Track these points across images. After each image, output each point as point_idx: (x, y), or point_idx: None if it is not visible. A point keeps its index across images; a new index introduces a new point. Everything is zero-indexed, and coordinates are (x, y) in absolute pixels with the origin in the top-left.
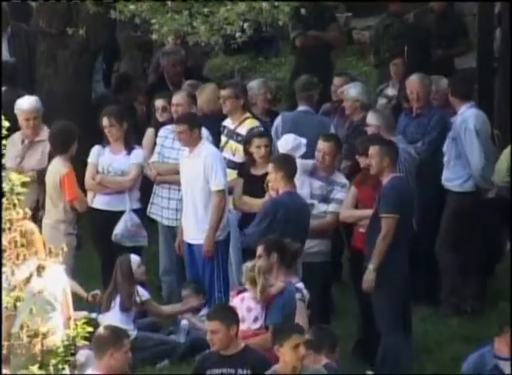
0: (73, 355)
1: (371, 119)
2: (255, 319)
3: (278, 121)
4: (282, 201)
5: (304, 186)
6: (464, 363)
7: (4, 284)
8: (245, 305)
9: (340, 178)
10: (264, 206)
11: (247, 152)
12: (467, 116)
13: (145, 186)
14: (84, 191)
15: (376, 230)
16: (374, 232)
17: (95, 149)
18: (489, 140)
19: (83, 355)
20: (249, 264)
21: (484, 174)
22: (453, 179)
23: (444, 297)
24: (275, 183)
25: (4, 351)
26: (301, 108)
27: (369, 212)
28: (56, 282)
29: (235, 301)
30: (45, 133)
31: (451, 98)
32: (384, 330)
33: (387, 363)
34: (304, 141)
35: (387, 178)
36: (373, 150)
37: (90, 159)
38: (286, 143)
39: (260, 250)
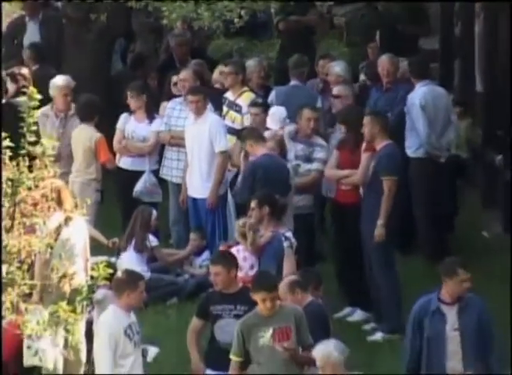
0: (94, 292)
1: (342, 90)
2: (251, 267)
3: (272, 94)
4: (260, 163)
5: (289, 149)
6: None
7: (37, 233)
8: (241, 255)
9: (319, 140)
10: (245, 168)
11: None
12: (417, 93)
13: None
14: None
15: (373, 191)
16: (371, 193)
17: (122, 117)
18: (442, 113)
19: (100, 293)
20: (240, 221)
21: (431, 143)
22: (409, 147)
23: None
24: (252, 149)
25: (38, 290)
26: (293, 82)
27: (349, 171)
28: (80, 231)
29: (233, 251)
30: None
31: (410, 76)
32: (382, 279)
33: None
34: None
35: (380, 145)
36: (366, 120)
37: (118, 126)
38: (277, 113)
39: (253, 203)
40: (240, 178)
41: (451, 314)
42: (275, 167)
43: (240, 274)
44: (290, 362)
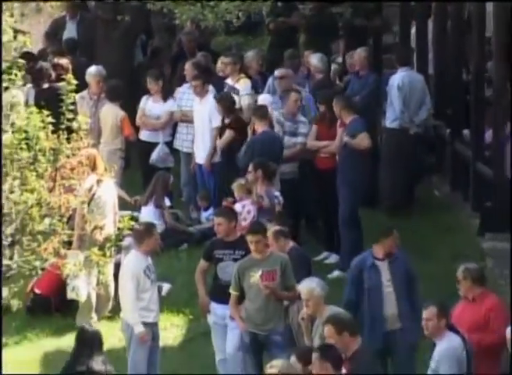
0: (121, 240)
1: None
2: (253, 218)
3: (270, 80)
4: (258, 139)
5: (277, 126)
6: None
7: (75, 192)
8: (246, 209)
9: (302, 118)
10: (247, 143)
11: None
12: (397, 76)
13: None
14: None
15: (346, 158)
16: (345, 159)
17: (144, 98)
18: (417, 95)
19: (127, 240)
20: (242, 180)
21: (403, 118)
22: (387, 118)
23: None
24: (255, 126)
25: (76, 239)
26: (276, 73)
27: (327, 142)
28: (109, 191)
29: (237, 206)
30: None
31: (396, 63)
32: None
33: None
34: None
35: (348, 119)
36: (333, 101)
37: (140, 105)
38: (267, 99)
39: (250, 167)
40: (243, 148)
41: (384, 268)
42: (272, 141)
43: (244, 224)
44: (273, 299)
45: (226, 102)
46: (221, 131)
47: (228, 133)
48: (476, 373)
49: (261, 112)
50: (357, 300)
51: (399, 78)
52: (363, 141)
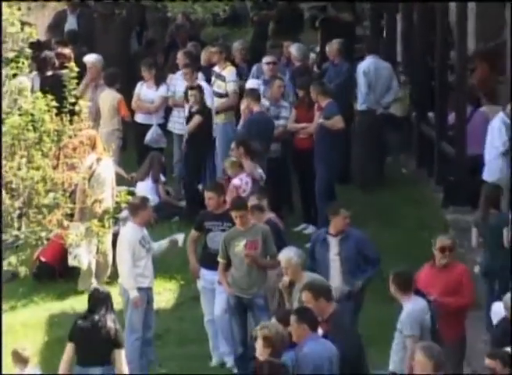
0: (119, 213)
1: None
2: (251, 189)
3: (254, 69)
4: (254, 119)
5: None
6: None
7: (76, 169)
8: (243, 181)
9: (284, 103)
10: (244, 122)
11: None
12: (363, 63)
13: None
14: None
15: (322, 138)
16: (321, 140)
17: (139, 84)
18: (382, 80)
19: (124, 213)
20: (233, 158)
21: (369, 100)
22: (357, 102)
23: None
24: (249, 107)
25: (77, 211)
26: (264, 59)
27: (304, 125)
28: (108, 168)
29: (236, 181)
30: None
31: (365, 51)
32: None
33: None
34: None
35: (324, 103)
36: (311, 87)
37: (136, 90)
38: (253, 84)
39: (233, 145)
40: (239, 126)
41: (334, 243)
42: (266, 121)
43: (244, 195)
44: (255, 266)
45: (197, 92)
46: (188, 118)
47: (196, 119)
48: (447, 332)
49: (255, 94)
50: (314, 270)
51: (365, 65)
52: (337, 122)
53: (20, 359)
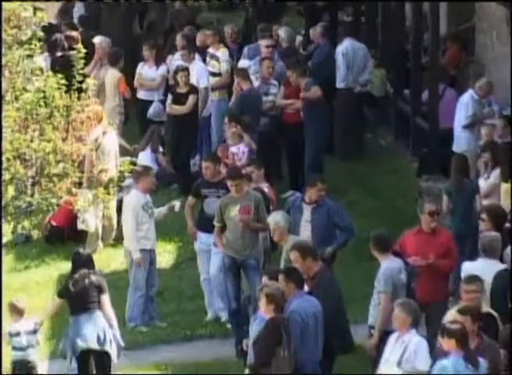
0: (122, 181)
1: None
2: (247, 158)
3: (245, 50)
4: (245, 95)
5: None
6: None
7: (84, 141)
8: (241, 150)
9: (273, 81)
10: (237, 97)
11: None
12: (342, 45)
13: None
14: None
15: (308, 113)
16: (307, 114)
17: (140, 64)
18: (359, 60)
19: (128, 181)
20: (233, 129)
21: (347, 79)
22: (337, 81)
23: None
24: (239, 85)
25: (85, 180)
26: (262, 42)
27: (292, 101)
28: (112, 140)
29: (234, 149)
30: None
31: (343, 34)
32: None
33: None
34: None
35: (304, 82)
36: (291, 69)
37: (138, 70)
38: (245, 64)
39: (225, 119)
40: (234, 101)
41: (307, 210)
42: (256, 96)
43: (239, 163)
44: (247, 230)
45: (187, 74)
46: (179, 98)
47: (192, 99)
48: (434, 293)
49: (244, 73)
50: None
51: (343, 47)
52: (315, 92)
53: (16, 311)
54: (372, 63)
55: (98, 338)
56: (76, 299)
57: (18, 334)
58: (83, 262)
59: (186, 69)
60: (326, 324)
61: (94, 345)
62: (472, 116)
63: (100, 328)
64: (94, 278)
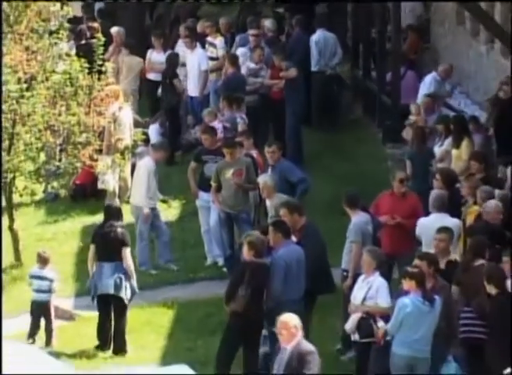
0: (135, 148)
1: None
2: (221, 133)
3: (237, 39)
4: (231, 78)
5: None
6: None
7: (104, 115)
8: (216, 126)
9: (263, 65)
10: (224, 79)
11: None
12: (315, 35)
13: None
14: None
15: (290, 90)
16: (288, 91)
17: (149, 51)
18: (329, 47)
19: (139, 149)
20: (210, 109)
21: (320, 63)
22: (312, 65)
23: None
24: (228, 69)
25: (104, 147)
26: (250, 32)
27: (277, 81)
28: (127, 114)
29: (215, 124)
30: None
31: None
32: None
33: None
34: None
35: (283, 65)
36: (275, 55)
37: (147, 55)
38: (241, 51)
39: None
40: (222, 82)
41: (269, 171)
42: (239, 80)
43: (221, 135)
44: (239, 190)
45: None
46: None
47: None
48: (403, 246)
49: (232, 59)
50: None
51: (316, 36)
52: (291, 72)
53: (42, 260)
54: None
55: (115, 285)
56: (103, 248)
57: (41, 278)
58: (114, 214)
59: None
60: (312, 269)
61: (111, 291)
62: (433, 93)
63: (117, 277)
64: (119, 231)
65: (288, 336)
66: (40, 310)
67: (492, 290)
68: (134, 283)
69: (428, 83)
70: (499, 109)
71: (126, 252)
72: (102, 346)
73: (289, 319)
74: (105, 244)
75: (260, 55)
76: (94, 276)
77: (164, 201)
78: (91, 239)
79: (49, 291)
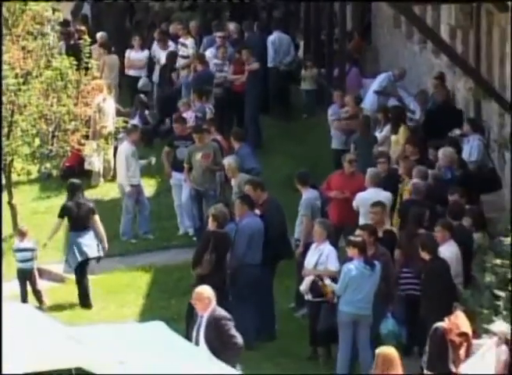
0: (117, 134)
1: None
2: (193, 122)
3: (205, 39)
4: (202, 74)
5: (213, 66)
6: None
7: (90, 105)
8: (189, 115)
9: (226, 62)
10: (194, 75)
11: None
12: (271, 36)
13: None
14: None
15: (250, 84)
16: (249, 85)
17: (128, 50)
18: (284, 47)
19: (121, 135)
20: (185, 99)
21: (275, 60)
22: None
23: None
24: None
25: (91, 133)
26: (217, 34)
27: (239, 76)
28: (110, 105)
29: (184, 114)
30: None
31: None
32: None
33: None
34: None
35: (249, 60)
36: (243, 52)
37: (126, 54)
38: (209, 51)
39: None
40: (192, 78)
41: None
42: (208, 75)
43: (188, 124)
44: (207, 170)
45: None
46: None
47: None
48: (347, 217)
49: (201, 57)
50: None
51: (272, 37)
52: (254, 65)
53: (21, 233)
54: (294, 50)
55: (96, 249)
56: (77, 219)
57: (23, 250)
58: (77, 189)
59: (183, 45)
60: (274, 238)
61: (96, 254)
62: (383, 88)
63: (95, 242)
64: (88, 203)
65: (202, 305)
66: (25, 277)
67: (426, 256)
68: (106, 245)
69: (381, 80)
70: (430, 109)
71: (97, 219)
72: (86, 305)
73: (203, 291)
74: (79, 215)
75: (223, 53)
76: (73, 245)
77: None
78: (60, 213)
79: (31, 259)
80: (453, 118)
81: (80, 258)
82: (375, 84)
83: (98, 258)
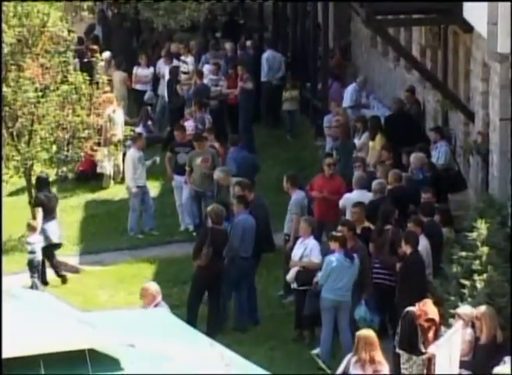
0: (126, 142)
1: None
2: (193, 130)
3: (203, 57)
4: (201, 88)
5: (209, 81)
6: None
7: (102, 116)
8: (189, 124)
9: (222, 76)
10: (194, 90)
11: None
12: (265, 54)
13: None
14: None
15: (242, 95)
16: (242, 94)
17: (135, 67)
18: (276, 63)
19: (129, 142)
20: (188, 110)
21: (269, 75)
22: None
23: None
24: (195, 81)
25: (102, 141)
26: (212, 53)
27: (233, 90)
28: (119, 115)
29: (185, 123)
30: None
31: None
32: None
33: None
34: None
35: (244, 76)
36: (238, 68)
37: (134, 71)
38: (206, 67)
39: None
40: (192, 93)
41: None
42: (206, 89)
43: (189, 132)
44: (206, 173)
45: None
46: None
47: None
48: (330, 216)
49: (199, 73)
50: None
51: (266, 55)
52: (248, 84)
53: (31, 228)
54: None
55: (55, 235)
56: (47, 209)
57: (33, 243)
58: (45, 183)
59: (184, 62)
60: (258, 234)
61: (54, 240)
62: (354, 100)
63: (58, 230)
64: (54, 195)
65: (148, 299)
66: (36, 266)
67: (408, 249)
68: (60, 232)
69: (350, 92)
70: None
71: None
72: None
73: (148, 288)
74: (49, 207)
75: (217, 70)
76: (46, 231)
77: None
78: (35, 203)
79: (39, 251)
80: (409, 127)
81: (44, 243)
82: (347, 100)
83: (59, 245)
